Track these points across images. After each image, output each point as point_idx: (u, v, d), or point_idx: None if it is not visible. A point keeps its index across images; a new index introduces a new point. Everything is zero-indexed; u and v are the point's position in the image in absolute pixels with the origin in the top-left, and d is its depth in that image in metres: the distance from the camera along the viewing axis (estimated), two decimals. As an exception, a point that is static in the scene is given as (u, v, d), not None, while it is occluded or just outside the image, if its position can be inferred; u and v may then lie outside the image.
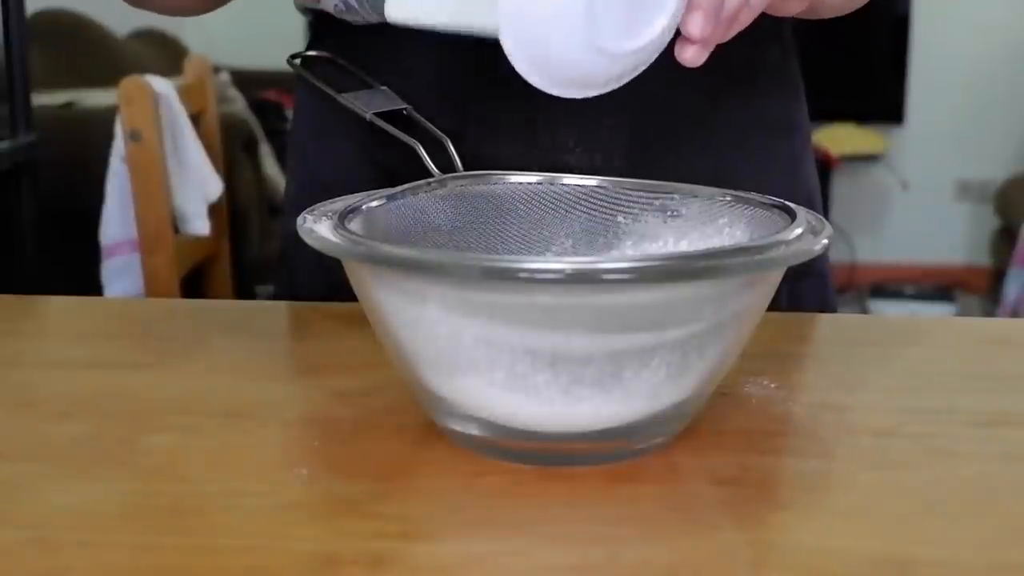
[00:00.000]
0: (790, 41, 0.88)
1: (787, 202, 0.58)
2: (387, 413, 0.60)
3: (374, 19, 0.80)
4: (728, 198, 0.62)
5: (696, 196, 0.63)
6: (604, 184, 0.65)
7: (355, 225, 0.56)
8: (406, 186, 0.63)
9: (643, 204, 0.64)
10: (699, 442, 0.56)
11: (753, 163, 0.84)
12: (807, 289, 0.87)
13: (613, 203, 0.65)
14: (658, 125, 0.81)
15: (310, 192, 0.83)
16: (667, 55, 0.64)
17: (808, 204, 0.87)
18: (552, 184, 0.66)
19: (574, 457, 0.53)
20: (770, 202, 0.59)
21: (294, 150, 0.92)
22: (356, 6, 0.80)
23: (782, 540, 0.47)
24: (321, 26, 0.87)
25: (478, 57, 0.79)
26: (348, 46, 0.83)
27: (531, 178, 0.66)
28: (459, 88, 0.80)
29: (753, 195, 0.61)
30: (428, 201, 0.64)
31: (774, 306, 0.82)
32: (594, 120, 0.79)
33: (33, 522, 0.48)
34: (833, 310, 0.91)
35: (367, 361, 0.66)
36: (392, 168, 0.72)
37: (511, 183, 0.66)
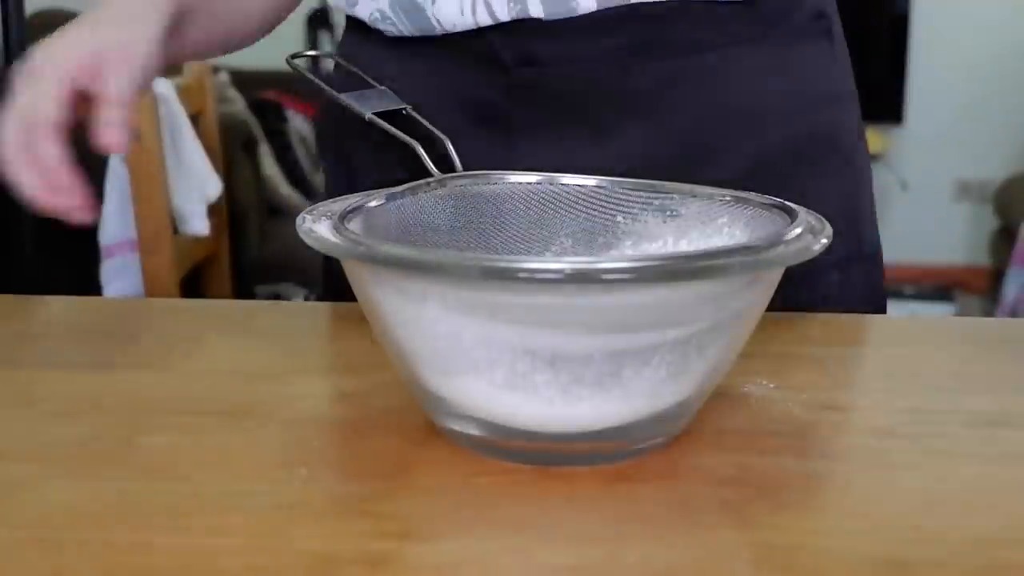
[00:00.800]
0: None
1: (786, 202, 0.58)
2: (387, 413, 0.60)
3: (409, 31, 0.80)
4: (727, 198, 0.62)
5: (695, 196, 0.63)
6: (603, 184, 0.65)
7: (355, 225, 0.56)
8: (406, 186, 0.63)
9: (642, 204, 0.64)
10: (699, 442, 0.56)
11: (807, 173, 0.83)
12: (858, 276, 0.85)
13: (612, 203, 0.65)
14: (679, 133, 0.80)
15: (349, 187, 0.83)
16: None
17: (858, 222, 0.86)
18: (551, 184, 0.66)
19: (574, 457, 0.53)
20: (769, 202, 0.59)
21: (327, 147, 0.92)
22: (391, 16, 0.80)
23: (782, 540, 0.47)
24: (350, 33, 0.87)
25: (503, 70, 0.79)
26: (377, 55, 0.83)
27: (530, 178, 0.66)
28: (485, 99, 0.80)
29: (752, 195, 0.61)
30: (428, 201, 0.64)
31: (824, 296, 0.81)
32: (614, 134, 0.79)
33: (33, 522, 0.48)
34: (883, 298, 0.89)
35: (367, 361, 0.66)
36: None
37: (511, 183, 0.66)
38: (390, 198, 0.62)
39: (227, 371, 0.67)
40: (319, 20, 4.03)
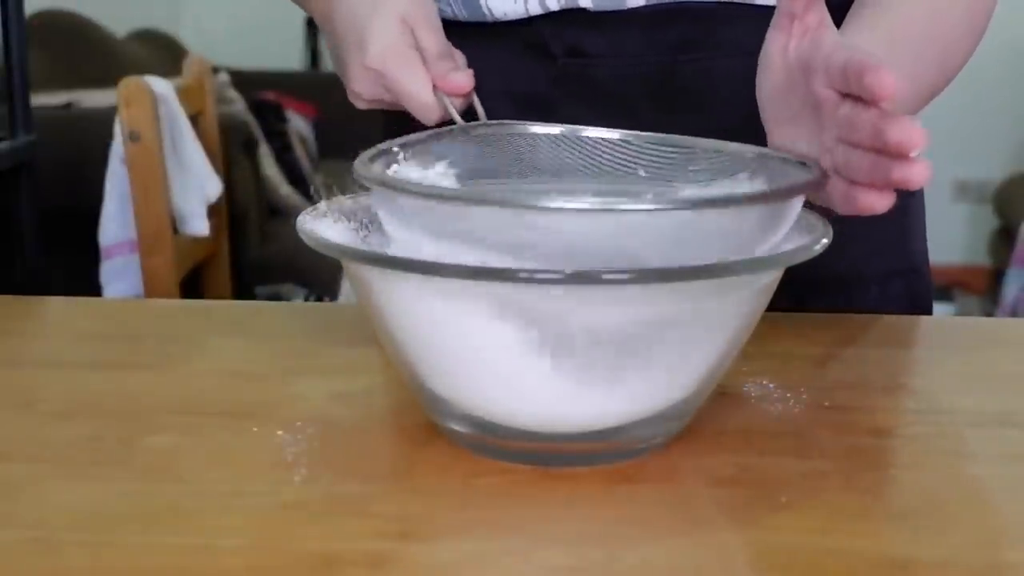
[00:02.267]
0: None
1: (811, 161, 0.58)
2: (387, 413, 0.60)
3: (463, 16, 0.80)
4: (749, 154, 0.61)
5: (718, 151, 0.62)
6: (628, 138, 0.64)
7: (379, 167, 0.57)
8: (427, 132, 0.64)
9: (665, 159, 0.63)
10: (699, 442, 0.56)
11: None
12: (899, 289, 0.85)
13: (634, 156, 0.64)
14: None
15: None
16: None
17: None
18: (575, 135, 0.65)
19: (574, 457, 0.53)
20: (789, 159, 0.59)
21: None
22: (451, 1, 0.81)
23: (782, 540, 0.47)
24: None
25: (551, 60, 0.79)
26: None
27: (553, 129, 0.66)
28: (531, 88, 0.80)
29: (773, 151, 0.60)
30: (451, 147, 0.64)
31: (860, 309, 0.80)
32: (658, 130, 0.78)
33: (33, 522, 0.48)
34: (925, 311, 0.88)
35: (367, 361, 0.66)
36: None
37: (533, 133, 0.66)
38: (413, 143, 0.62)
39: (227, 371, 0.67)
40: (319, 20, 4.03)
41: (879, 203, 0.55)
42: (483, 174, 0.64)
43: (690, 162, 0.62)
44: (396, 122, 0.81)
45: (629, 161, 0.64)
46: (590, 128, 0.66)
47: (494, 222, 0.51)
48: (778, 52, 0.60)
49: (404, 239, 0.55)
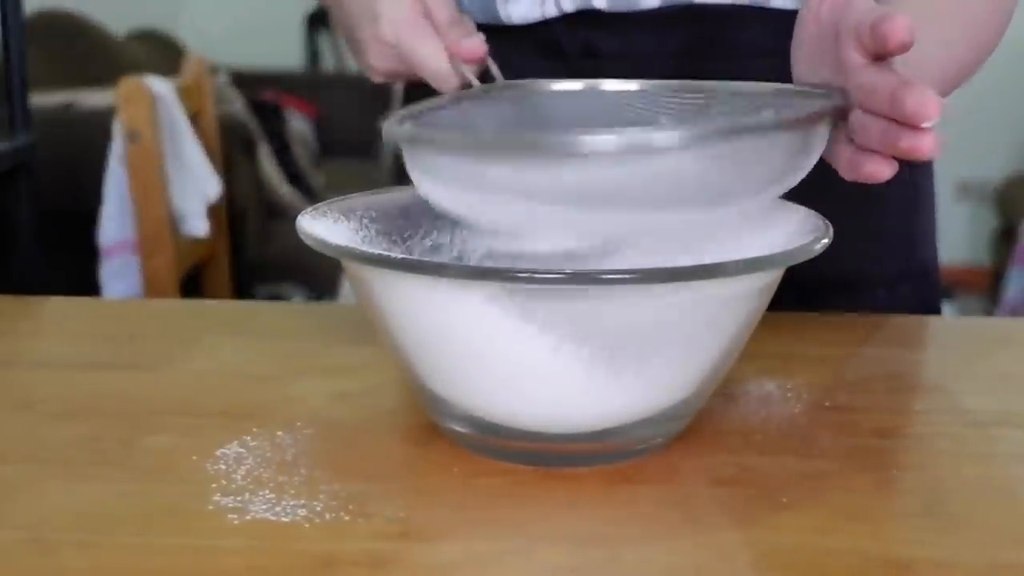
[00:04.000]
0: None
1: (830, 87, 0.57)
2: (387, 413, 0.60)
3: (479, 20, 0.80)
4: (769, 91, 0.60)
5: (737, 93, 0.61)
6: (646, 87, 0.64)
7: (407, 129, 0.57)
8: (448, 95, 0.64)
9: (686, 104, 0.63)
10: (699, 442, 0.56)
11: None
12: (907, 293, 0.85)
13: (656, 105, 0.64)
14: None
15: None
16: None
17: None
18: (594, 90, 0.65)
19: (574, 457, 0.53)
20: (809, 90, 0.58)
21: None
22: (464, 1, 0.81)
23: (782, 540, 0.47)
24: None
25: (564, 59, 0.79)
26: None
27: (575, 85, 0.66)
28: None
29: (791, 85, 0.60)
30: (473, 109, 0.64)
31: (868, 311, 0.79)
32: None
33: (32, 522, 0.48)
34: (937, 311, 0.88)
35: (367, 361, 0.66)
36: None
37: (555, 90, 0.66)
38: (437, 108, 0.62)
39: (227, 372, 0.67)
40: (319, 20, 4.04)
41: (884, 171, 0.54)
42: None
43: (711, 105, 0.62)
44: (415, 94, 0.82)
45: (651, 110, 0.64)
46: (608, 80, 0.65)
47: (528, 169, 0.50)
48: (812, 14, 0.60)
49: (441, 197, 0.55)
